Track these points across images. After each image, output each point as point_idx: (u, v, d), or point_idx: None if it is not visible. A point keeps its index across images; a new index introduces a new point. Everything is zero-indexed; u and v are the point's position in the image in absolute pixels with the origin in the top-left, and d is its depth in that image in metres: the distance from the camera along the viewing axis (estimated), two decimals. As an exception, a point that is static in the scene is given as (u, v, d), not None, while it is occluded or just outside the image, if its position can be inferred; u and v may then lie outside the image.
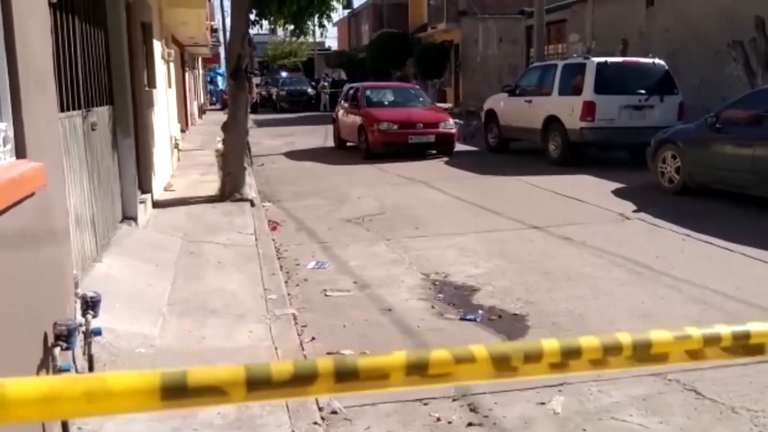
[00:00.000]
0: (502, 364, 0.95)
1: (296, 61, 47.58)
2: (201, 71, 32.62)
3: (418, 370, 0.92)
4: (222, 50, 29.51)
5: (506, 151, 14.66)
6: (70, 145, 4.60)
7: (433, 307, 5.01)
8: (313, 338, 4.39)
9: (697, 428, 3.21)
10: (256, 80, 30.04)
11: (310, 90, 34.89)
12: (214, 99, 41.63)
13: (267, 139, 18.37)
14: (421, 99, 16.36)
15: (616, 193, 9.50)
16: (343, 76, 39.43)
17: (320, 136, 18.72)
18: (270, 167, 13.23)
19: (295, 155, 15.29)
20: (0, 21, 2.60)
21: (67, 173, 4.15)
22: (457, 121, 16.92)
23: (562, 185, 10.08)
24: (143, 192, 7.63)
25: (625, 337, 1.04)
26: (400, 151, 13.78)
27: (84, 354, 3.34)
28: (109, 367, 3.61)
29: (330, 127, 17.56)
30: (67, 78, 4.68)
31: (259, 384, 0.87)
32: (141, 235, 6.71)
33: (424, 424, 3.25)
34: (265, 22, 11.61)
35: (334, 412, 3.32)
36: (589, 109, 11.76)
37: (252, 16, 10.21)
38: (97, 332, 3.36)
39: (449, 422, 3.27)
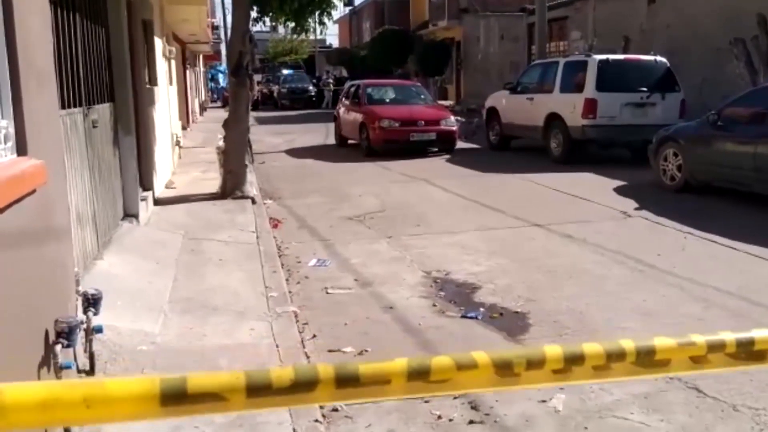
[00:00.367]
0: (504, 370, 0.94)
1: (297, 59, 47.52)
2: (202, 68, 32.60)
3: (419, 376, 0.91)
4: (223, 47, 29.44)
5: (508, 149, 14.64)
6: (71, 143, 4.60)
7: (434, 304, 5.01)
8: (314, 336, 4.39)
9: (699, 426, 3.21)
10: (257, 77, 30.02)
11: (311, 87, 34.84)
12: (215, 96, 41.57)
13: (268, 137, 18.35)
14: (422, 96, 16.31)
15: (618, 190, 9.49)
16: (345, 73, 39.38)
17: (321, 134, 18.70)
18: (271, 165, 13.22)
19: (296, 153, 15.28)
20: (1, 18, 2.59)
21: (68, 170, 4.15)
22: (459, 118, 16.89)
23: (564, 183, 10.07)
24: (144, 189, 7.63)
25: (628, 344, 1.03)
26: (402, 149, 13.76)
27: (85, 351, 3.34)
28: (110, 365, 3.62)
29: (331, 125, 17.55)
30: (68, 75, 4.68)
31: (259, 390, 0.86)
32: (142, 232, 6.70)
33: (425, 422, 3.25)
34: (266, 20, 11.59)
35: (335, 410, 3.32)
36: (590, 106, 11.74)
37: (253, 14, 10.18)
38: (98, 330, 3.36)
39: (450, 420, 3.27)
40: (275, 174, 11.91)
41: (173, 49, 13.42)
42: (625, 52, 14.84)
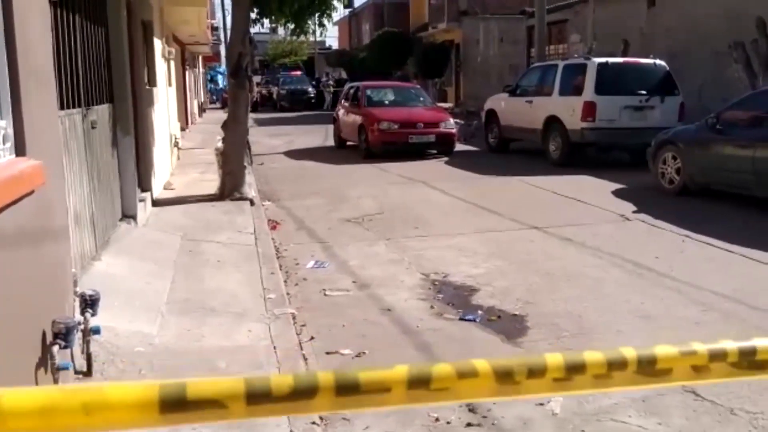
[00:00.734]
0: (504, 378, 0.94)
1: (297, 60, 47.54)
2: (201, 70, 32.60)
3: (420, 384, 0.91)
4: (222, 49, 29.47)
5: (507, 152, 14.64)
6: (69, 143, 4.59)
7: (432, 307, 5.00)
8: (312, 338, 4.39)
9: (696, 430, 3.20)
10: (256, 79, 30.02)
11: (310, 89, 34.85)
12: (214, 97, 41.58)
13: (267, 138, 18.35)
14: (421, 99, 16.33)
15: (617, 193, 9.50)
16: (344, 75, 39.39)
17: (320, 136, 18.70)
18: (270, 166, 13.22)
19: (295, 154, 15.28)
20: (0, 18, 2.59)
21: (66, 171, 4.14)
22: (458, 121, 16.89)
23: (563, 186, 10.07)
24: (143, 190, 7.62)
25: (629, 352, 1.03)
26: (401, 151, 13.76)
27: (82, 352, 3.34)
28: (107, 366, 3.61)
29: (330, 127, 17.55)
30: (67, 76, 4.67)
31: (258, 397, 0.85)
32: (140, 233, 6.70)
33: (423, 425, 3.24)
34: (266, 21, 11.60)
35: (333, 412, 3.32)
36: (589, 109, 11.75)
37: (253, 15, 10.19)
38: (96, 331, 3.36)
39: (448, 422, 3.26)
40: (274, 175, 11.91)
41: (173, 50, 13.41)
42: (623, 55, 14.86)
